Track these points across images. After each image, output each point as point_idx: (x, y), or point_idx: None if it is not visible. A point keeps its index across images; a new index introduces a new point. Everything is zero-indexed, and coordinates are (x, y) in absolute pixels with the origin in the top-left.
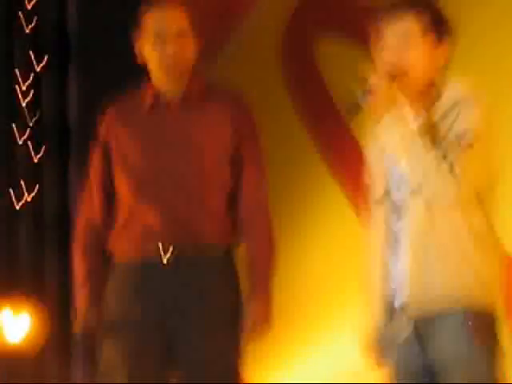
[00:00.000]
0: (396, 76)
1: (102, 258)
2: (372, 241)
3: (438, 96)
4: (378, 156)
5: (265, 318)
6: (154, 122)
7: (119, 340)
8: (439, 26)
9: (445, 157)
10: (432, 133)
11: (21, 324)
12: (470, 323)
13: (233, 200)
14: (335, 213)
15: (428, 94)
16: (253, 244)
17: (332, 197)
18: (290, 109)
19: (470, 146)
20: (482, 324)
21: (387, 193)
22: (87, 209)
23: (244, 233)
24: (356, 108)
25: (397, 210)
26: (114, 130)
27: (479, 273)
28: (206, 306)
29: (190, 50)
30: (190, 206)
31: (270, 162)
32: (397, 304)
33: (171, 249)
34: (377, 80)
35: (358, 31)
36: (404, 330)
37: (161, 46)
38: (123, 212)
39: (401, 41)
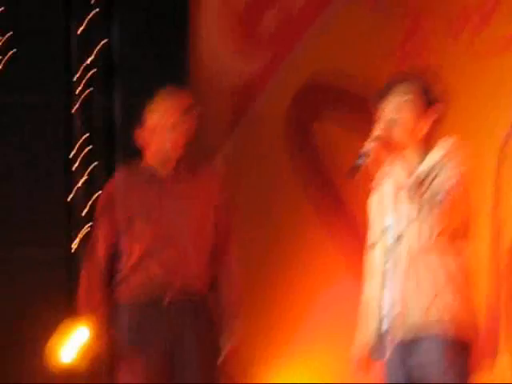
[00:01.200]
0: (387, 141)
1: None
2: (368, 278)
3: (426, 154)
4: (376, 205)
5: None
6: (153, 193)
7: (133, 365)
8: (428, 95)
9: (424, 207)
10: (417, 187)
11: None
12: (441, 347)
13: (213, 257)
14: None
15: (417, 153)
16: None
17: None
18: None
19: (449, 197)
20: (452, 348)
21: (380, 238)
22: (93, 259)
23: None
24: (356, 169)
25: (387, 253)
26: (119, 197)
27: (450, 307)
28: (195, 335)
29: (183, 139)
30: (184, 261)
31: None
32: (384, 328)
33: (170, 294)
34: (372, 145)
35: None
36: (388, 348)
37: (162, 136)
38: (128, 263)
39: (393, 112)
